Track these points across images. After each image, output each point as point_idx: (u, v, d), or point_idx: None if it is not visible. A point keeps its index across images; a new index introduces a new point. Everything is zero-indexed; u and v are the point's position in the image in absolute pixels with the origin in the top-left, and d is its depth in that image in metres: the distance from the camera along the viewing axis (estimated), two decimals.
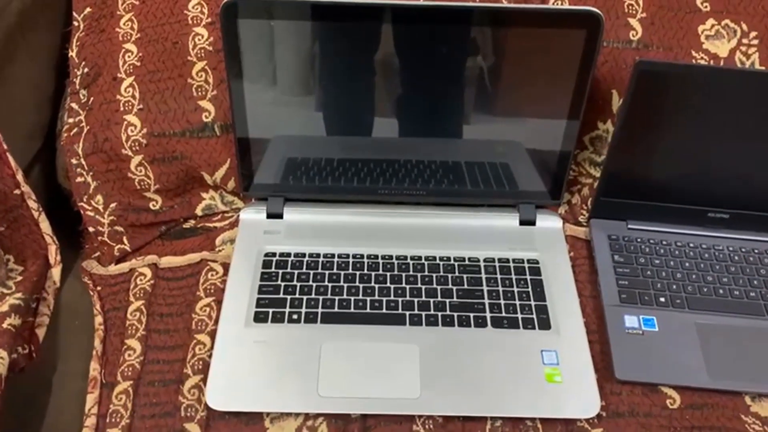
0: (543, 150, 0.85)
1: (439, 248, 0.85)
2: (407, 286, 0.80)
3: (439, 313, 0.78)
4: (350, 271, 0.82)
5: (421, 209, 0.90)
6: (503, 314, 0.78)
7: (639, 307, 0.80)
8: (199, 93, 0.86)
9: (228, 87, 0.79)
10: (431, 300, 0.79)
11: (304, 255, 0.83)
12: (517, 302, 0.79)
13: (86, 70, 0.87)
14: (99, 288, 0.84)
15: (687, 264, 0.84)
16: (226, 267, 0.84)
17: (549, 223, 0.89)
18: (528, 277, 0.82)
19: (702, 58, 0.86)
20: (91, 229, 0.87)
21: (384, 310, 0.78)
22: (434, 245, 0.85)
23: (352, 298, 0.79)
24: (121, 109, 0.85)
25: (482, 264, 0.83)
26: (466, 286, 0.81)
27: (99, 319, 0.80)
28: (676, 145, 0.82)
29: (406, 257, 0.84)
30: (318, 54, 0.79)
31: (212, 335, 0.77)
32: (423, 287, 0.80)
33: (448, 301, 0.79)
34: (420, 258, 0.84)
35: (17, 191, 0.78)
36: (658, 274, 0.83)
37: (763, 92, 0.77)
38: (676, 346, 0.76)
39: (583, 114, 0.81)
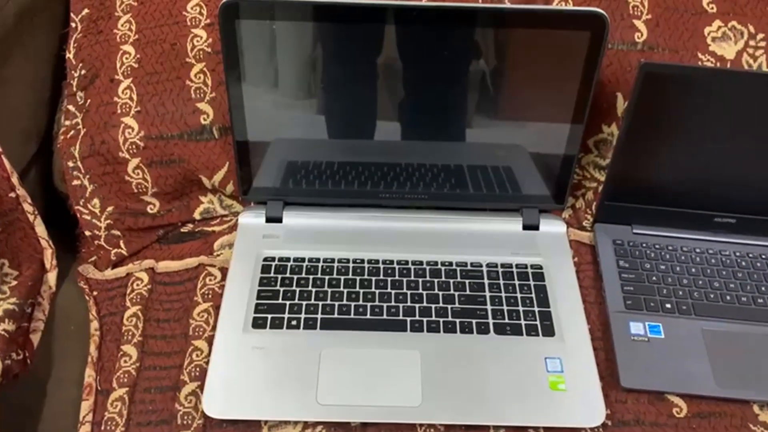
0: (547, 153, 0.84)
1: (441, 253, 0.83)
2: (408, 292, 0.79)
3: (441, 320, 0.77)
4: (350, 276, 0.81)
5: (423, 213, 0.89)
6: (506, 320, 0.77)
7: (644, 314, 0.78)
8: (198, 95, 0.85)
9: (226, 89, 0.78)
10: (433, 306, 0.78)
11: (303, 260, 0.82)
12: (521, 308, 0.78)
13: (83, 71, 0.86)
14: (95, 293, 0.83)
15: (693, 269, 0.83)
16: (224, 272, 0.83)
17: (553, 227, 0.87)
18: (531, 283, 0.81)
19: (708, 60, 0.85)
20: (87, 233, 0.86)
21: (385, 316, 0.77)
22: (436, 250, 0.84)
23: (352, 304, 0.78)
24: (119, 111, 0.84)
25: (485, 269, 0.82)
26: (468, 292, 0.80)
27: (95, 324, 0.79)
28: (682, 149, 0.81)
29: (407, 262, 0.82)
30: (318, 56, 0.78)
31: (210, 341, 0.76)
32: (424, 293, 0.79)
33: (450, 307, 0.78)
34: (421, 263, 0.82)
35: (12, 194, 0.77)
36: (664, 280, 0.81)
37: None
38: (682, 353, 0.75)
39: (587, 117, 0.80)
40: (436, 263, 0.82)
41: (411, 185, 0.86)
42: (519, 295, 0.79)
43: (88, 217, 0.86)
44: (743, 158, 0.81)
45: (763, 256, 0.84)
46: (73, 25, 0.87)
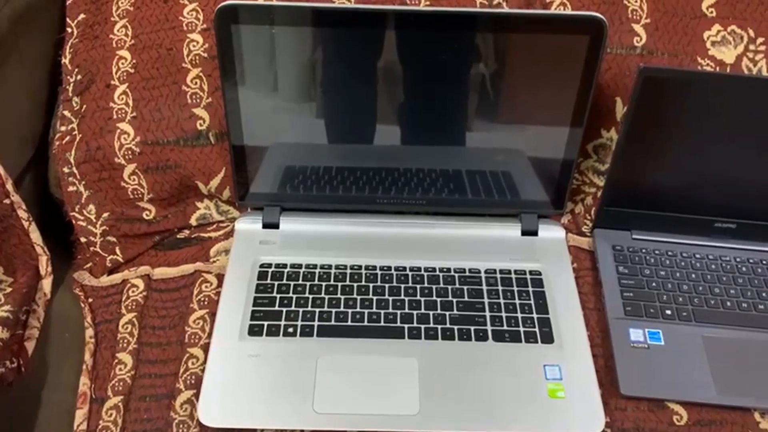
0: (545, 158, 0.83)
1: (439, 259, 0.83)
2: (406, 298, 0.79)
3: (439, 326, 0.76)
4: (347, 282, 0.80)
5: (421, 219, 0.88)
6: (505, 327, 0.76)
7: (644, 320, 0.78)
8: (194, 100, 0.85)
9: (223, 94, 0.78)
10: (431, 312, 0.77)
11: (300, 266, 0.82)
12: (519, 315, 0.78)
13: (79, 77, 0.86)
14: (90, 300, 0.83)
15: (693, 275, 0.82)
16: (220, 278, 0.82)
17: (552, 233, 0.87)
18: (530, 289, 0.80)
19: (708, 64, 0.84)
20: (83, 240, 0.86)
21: (382, 323, 0.76)
22: (434, 256, 0.83)
23: (350, 311, 0.77)
24: (115, 116, 0.84)
25: (483, 275, 0.81)
26: (466, 298, 0.79)
27: (90, 332, 0.79)
28: (682, 154, 0.80)
29: (405, 268, 0.82)
30: (316, 61, 0.77)
31: (206, 349, 0.75)
32: (422, 299, 0.79)
33: (448, 313, 0.77)
34: (419, 269, 0.82)
35: (7, 201, 0.77)
36: (664, 286, 0.81)
37: None
38: (682, 360, 0.74)
39: (586, 122, 0.79)
40: (434, 269, 0.82)
41: (409, 190, 0.86)
42: (518, 302, 0.79)
43: (84, 224, 0.85)
44: (743, 163, 0.80)
45: (764, 262, 0.83)
46: (69, 30, 0.87)
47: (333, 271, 0.81)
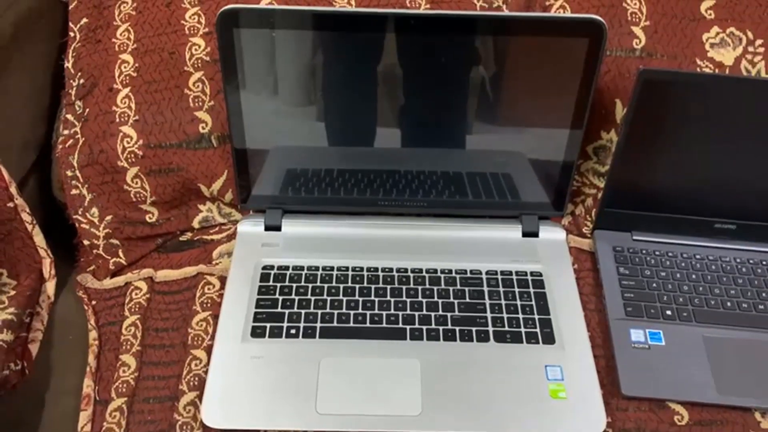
0: (546, 160, 0.84)
1: (440, 260, 0.83)
2: (408, 300, 0.79)
3: (441, 328, 0.76)
4: (349, 284, 0.80)
5: (422, 221, 0.88)
6: (506, 328, 0.77)
7: (645, 321, 0.78)
8: (196, 104, 0.85)
9: (225, 98, 0.78)
10: (432, 314, 0.78)
11: (302, 268, 0.82)
12: (521, 316, 0.78)
13: (82, 81, 0.86)
14: (94, 302, 0.83)
15: (694, 276, 0.82)
16: (223, 280, 0.83)
17: (552, 234, 0.87)
18: (531, 290, 0.81)
19: (707, 66, 0.85)
20: (86, 242, 0.86)
21: (384, 325, 0.77)
22: (435, 257, 0.84)
23: (352, 312, 0.78)
24: (117, 120, 0.84)
25: (484, 276, 0.82)
26: (468, 300, 0.79)
27: (93, 334, 0.79)
28: (681, 155, 0.81)
29: (406, 270, 0.82)
30: (317, 64, 0.78)
31: (209, 350, 0.76)
32: (424, 301, 0.79)
33: (449, 314, 0.78)
34: (421, 270, 0.82)
35: (10, 204, 0.77)
36: (664, 287, 0.81)
37: None
38: (683, 360, 0.75)
39: (586, 124, 0.80)
40: (435, 271, 0.82)
41: (410, 192, 0.86)
42: (519, 303, 0.79)
43: (87, 227, 0.86)
44: (743, 164, 0.80)
45: (764, 262, 0.84)
46: (72, 34, 0.87)
47: (335, 272, 0.82)
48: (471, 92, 0.79)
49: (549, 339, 0.76)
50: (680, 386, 0.73)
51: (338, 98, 0.80)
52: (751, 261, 0.84)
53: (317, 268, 0.82)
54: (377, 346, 0.75)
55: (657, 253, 0.85)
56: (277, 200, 0.87)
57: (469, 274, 0.82)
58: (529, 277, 0.82)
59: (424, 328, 0.76)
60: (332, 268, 0.82)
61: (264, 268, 0.82)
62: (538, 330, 0.77)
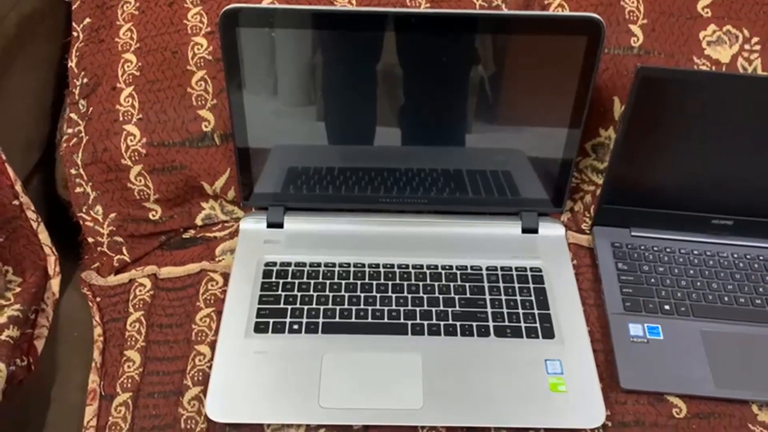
0: (545, 158, 0.84)
1: (441, 257, 0.84)
2: (409, 295, 0.80)
3: (442, 323, 0.77)
4: (351, 280, 0.81)
5: (423, 218, 0.89)
6: (506, 323, 0.78)
7: (643, 316, 0.79)
8: (199, 102, 0.86)
9: (227, 96, 0.79)
10: (433, 309, 0.79)
11: (304, 264, 0.83)
12: (521, 311, 0.79)
13: (85, 80, 0.87)
14: (98, 299, 0.84)
15: (691, 271, 0.83)
16: (226, 277, 0.84)
17: (552, 231, 0.88)
18: (531, 286, 0.81)
19: (704, 64, 0.85)
20: (90, 240, 0.87)
21: (386, 320, 0.78)
22: (436, 254, 0.85)
23: (354, 308, 0.78)
24: (121, 119, 0.85)
25: (485, 272, 0.83)
26: (468, 295, 0.80)
27: (98, 330, 0.80)
28: (679, 152, 0.82)
29: (407, 266, 0.83)
30: (318, 63, 0.78)
31: (212, 346, 0.76)
32: (425, 296, 0.80)
33: (450, 310, 0.79)
34: (422, 267, 0.83)
35: (16, 202, 0.78)
36: (663, 282, 0.82)
37: (765, 97, 0.77)
38: (681, 354, 0.76)
39: (584, 121, 0.81)
40: (436, 267, 0.83)
41: (411, 190, 0.87)
42: (519, 298, 0.80)
43: (91, 224, 0.86)
44: (740, 160, 0.81)
45: (761, 258, 0.85)
46: (75, 34, 0.88)
47: (337, 269, 0.82)
48: (470, 90, 0.80)
49: (549, 333, 0.77)
50: (678, 380, 0.74)
51: (340, 97, 0.81)
52: (748, 256, 0.85)
53: (319, 265, 0.83)
54: (379, 341, 0.76)
55: (655, 248, 0.86)
56: (279, 198, 0.87)
57: (469, 270, 0.83)
58: (529, 273, 0.83)
59: (426, 323, 0.77)
60: (334, 265, 0.83)
61: (266, 264, 0.83)
62: (537, 325, 0.78)
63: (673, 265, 0.84)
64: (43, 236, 0.80)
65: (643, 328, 0.78)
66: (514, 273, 0.83)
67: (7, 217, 0.78)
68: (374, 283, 0.81)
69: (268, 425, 0.70)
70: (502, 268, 0.83)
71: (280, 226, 0.88)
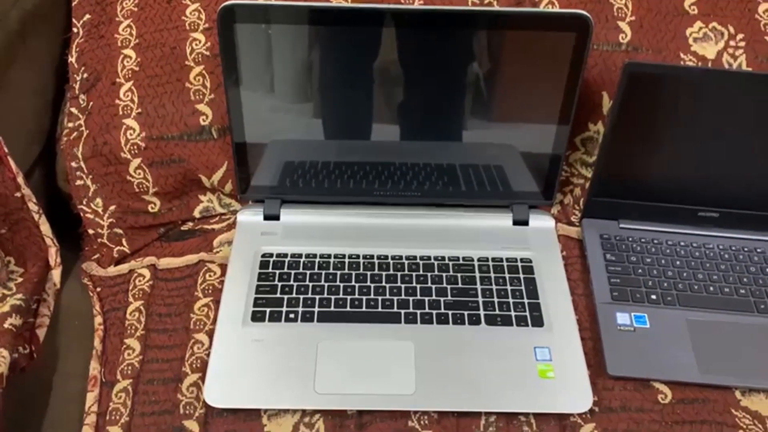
0: (535, 152, 0.86)
1: (433, 248, 0.86)
2: (402, 285, 0.81)
3: (434, 312, 0.79)
4: (346, 270, 0.83)
5: (416, 210, 0.91)
6: (497, 312, 0.79)
7: (630, 305, 0.81)
8: (197, 97, 0.87)
9: (225, 91, 0.80)
10: (426, 299, 0.80)
11: (300, 255, 0.84)
12: (511, 300, 0.80)
13: (85, 75, 0.88)
14: (98, 289, 0.85)
15: (678, 262, 0.85)
16: (223, 268, 0.85)
17: (542, 223, 0.90)
18: (521, 276, 0.83)
19: (690, 60, 0.87)
20: (90, 232, 0.88)
21: (379, 309, 0.79)
22: (429, 245, 0.86)
23: (348, 298, 0.80)
24: (120, 113, 0.87)
25: (476, 263, 0.84)
26: (460, 285, 0.82)
27: (99, 319, 0.81)
28: (666, 146, 0.83)
29: (401, 257, 0.85)
30: (315, 59, 0.80)
31: (210, 334, 0.78)
32: (418, 286, 0.81)
33: (442, 299, 0.80)
34: (415, 258, 0.85)
35: (18, 194, 0.79)
36: (650, 272, 0.84)
37: (750, 93, 0.79)
38: (667, 342, 0.77)
39: (573, 116, 0.82)
40: (429, 258, 0.85)
41: (405, 183, 0.88)
42: (509, 288, 0.82)
43: (91, 216, 0.88)
44: (725, 154, 0.83)
45: (745, 249, 0.86)
46: (75, 30, 0.90)
47: (332, 260, 0.84)
48: (462, 86, 0.81)
49: (538, 322, 0.79)
50: (664, 366, 0.75)
51: (335, 93, 0.82)
52: (733, 248, 0.87)
53: (315, 256, 0.84)
54: (373, 329, 0.77)
55: (643, 240, 0.87)
56: (276, 191, 0.89)
57: (461, 261, 0.85)
58: (519, 264, 0.84)
59: (418, 312, 0.79)
60: (329, 256, 0.84)
61: (263, 255, 0.85)
62: (527, 313, 0.79)
63: (660, 256, 0.86)
64: (45, 228, 0.82)
65: (630, 316, 0.79)
66: (505, 263, 0.84)
67: (9, 209, 0.79)
68: (368, 273, 0.83)
69: (265, 410, 0.72)
70: (493, 259, 0.85)
71: (277, 218, 0.89)
